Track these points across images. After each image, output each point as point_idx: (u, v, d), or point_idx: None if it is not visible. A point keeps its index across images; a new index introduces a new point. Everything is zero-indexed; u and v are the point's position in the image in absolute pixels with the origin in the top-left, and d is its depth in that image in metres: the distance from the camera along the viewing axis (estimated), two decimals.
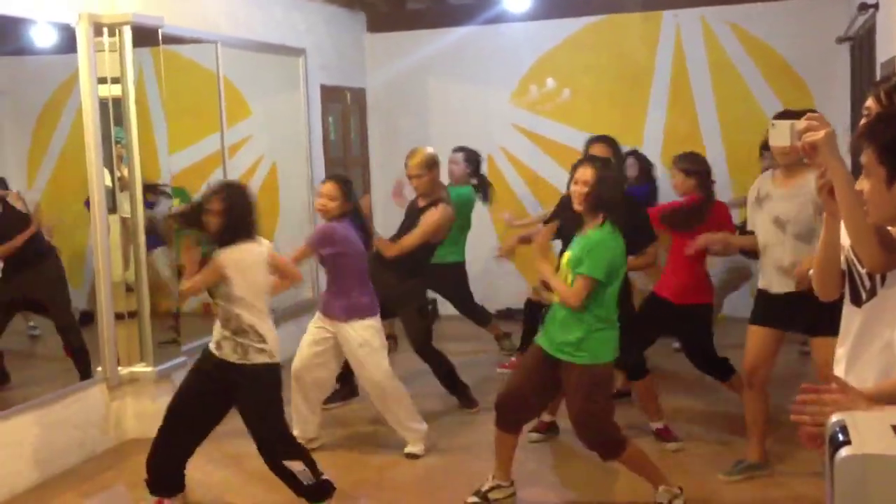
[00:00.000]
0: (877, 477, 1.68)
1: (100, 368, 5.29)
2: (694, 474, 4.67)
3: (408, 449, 5.06)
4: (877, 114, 2.38)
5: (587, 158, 4.28)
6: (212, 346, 4.19)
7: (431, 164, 5.61)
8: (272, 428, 4.14)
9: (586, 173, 4.01)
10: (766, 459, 4.65)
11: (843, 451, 1.73)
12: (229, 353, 4.10)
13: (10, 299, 5.53)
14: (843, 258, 2.41)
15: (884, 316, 2.29)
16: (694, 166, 5.26)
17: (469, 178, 6.91)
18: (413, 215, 5.72)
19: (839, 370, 2.43)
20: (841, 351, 2.44)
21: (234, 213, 4.05)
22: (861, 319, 2.37)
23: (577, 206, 4.07)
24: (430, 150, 5.73)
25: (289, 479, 4.15)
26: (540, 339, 4.20)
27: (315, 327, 5.08)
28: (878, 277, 2.32)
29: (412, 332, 5.83)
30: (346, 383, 5.96)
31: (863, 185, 2.14)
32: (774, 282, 4.39)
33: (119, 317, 5.36)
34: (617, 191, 4.15)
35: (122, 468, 4.99)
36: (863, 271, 2.34)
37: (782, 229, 4.33)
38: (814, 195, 4.13)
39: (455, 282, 6.79)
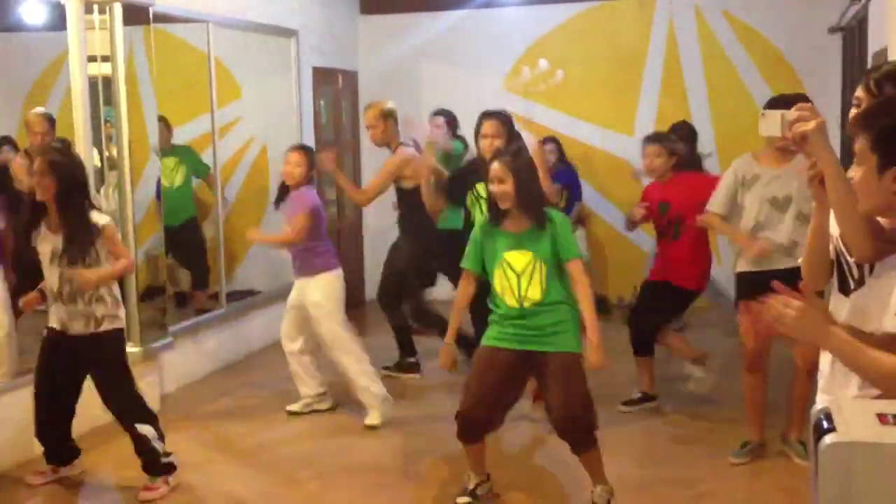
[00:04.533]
0: (861, 464, 1.69)
1: None
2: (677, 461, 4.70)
3: (367, 421, 5.21)
4: (875, 101, 2.35)
5: None
6: (56, 326, 4.25)
7: (387, 115, 5.94)
8: (128, 393, 4.30)
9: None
10: (764, 439, 4.69)
11: (828, 439, 1.74)
12: (81, 328, 4.18)
13: None
14: (831, 247, 2.41)
15: (871, 305, 2.29)
16: (675, 145, 5.48)
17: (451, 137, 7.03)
18: None
19: (825, 359, 2.44)
20: None
21: (64, 171, 4.06)
22: (849, 308, 2.37)
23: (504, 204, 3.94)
24: (388, 103, 6.03)
25: (140, 443, 4.28)
26: (500, 342, 3.98)
27: (291, 295, 5.35)
28: (866, 267, 2.32)
29: (384, 283, 6.18)
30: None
31: (855, 172, 2.13)
32: (770, 260, 4.41)
33: None
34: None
35: (106, 448, 4.96)
36: (851, 261, 2.34)
37: (781, 210, 4.42)
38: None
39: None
